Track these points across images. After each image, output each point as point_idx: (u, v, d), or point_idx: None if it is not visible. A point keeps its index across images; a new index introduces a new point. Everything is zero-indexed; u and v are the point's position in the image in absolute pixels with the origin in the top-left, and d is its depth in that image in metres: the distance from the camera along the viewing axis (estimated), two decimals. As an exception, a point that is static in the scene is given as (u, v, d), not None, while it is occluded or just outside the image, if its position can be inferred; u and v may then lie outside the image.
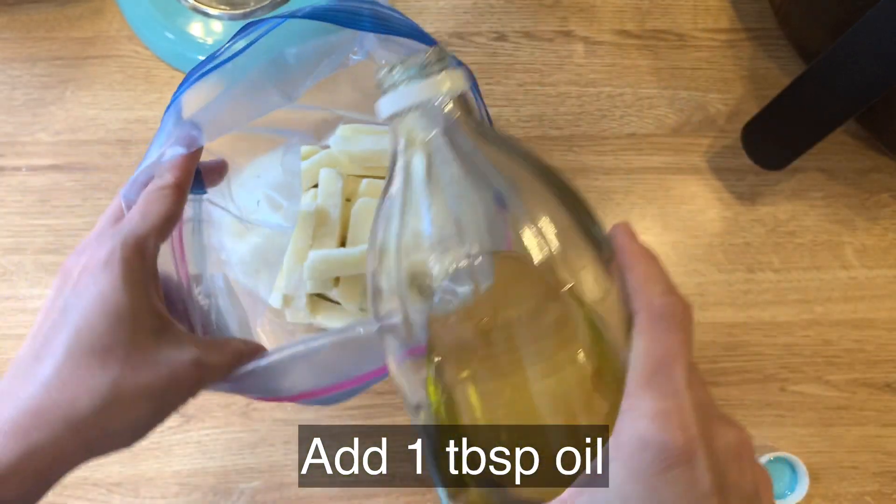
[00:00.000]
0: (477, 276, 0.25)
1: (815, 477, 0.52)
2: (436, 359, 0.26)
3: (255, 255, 0.41)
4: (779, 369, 0.54)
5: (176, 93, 0.32)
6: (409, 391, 0.27)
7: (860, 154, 0.57)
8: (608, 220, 0.58)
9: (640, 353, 0.23)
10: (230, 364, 0.32)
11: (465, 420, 0.26)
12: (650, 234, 0.56)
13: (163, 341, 0.30)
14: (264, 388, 0.33)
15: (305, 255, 0.47)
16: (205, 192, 0.36)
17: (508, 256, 0.25)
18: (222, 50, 0.31)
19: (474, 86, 0.34)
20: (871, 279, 0.55)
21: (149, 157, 0.32)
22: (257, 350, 0.34)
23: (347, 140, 0.49)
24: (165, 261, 0.35)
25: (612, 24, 0.59)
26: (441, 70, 0.26)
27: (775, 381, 0.54)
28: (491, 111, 0.57)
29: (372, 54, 0.34)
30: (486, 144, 0.26)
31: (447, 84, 0.26)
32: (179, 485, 0.51)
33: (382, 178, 0.49)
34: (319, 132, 0.50)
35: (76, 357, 0.28)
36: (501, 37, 0.59)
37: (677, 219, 0.56)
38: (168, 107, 0.33)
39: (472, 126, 0.27)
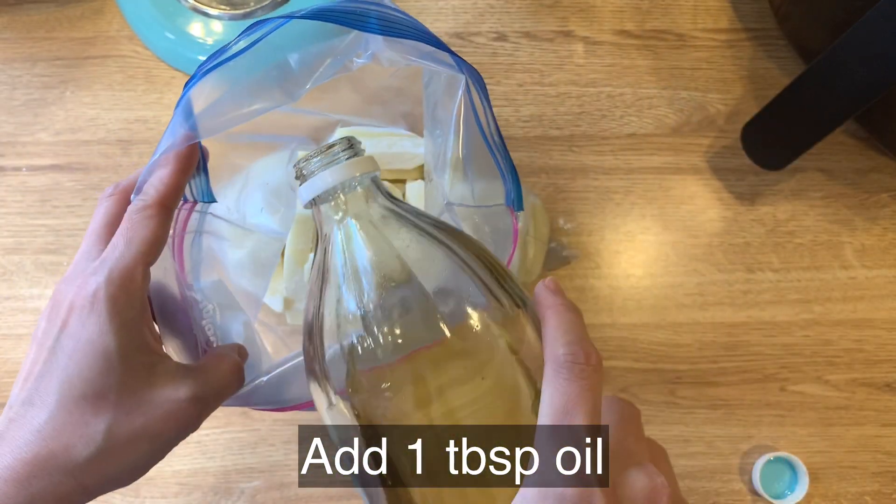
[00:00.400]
0: (395, 348, 0.26)
1: (814, 477, 0.52)
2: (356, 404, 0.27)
3: (251, 260, 0.41)
4: (779, 369, 0.54)
5: (186, 86, 0.32)
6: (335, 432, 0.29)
7: (860, 154, 0.57)
8: (608, 220, 0.58)
9: (544, 405, 0.24)
10: (229, 384, 0.32)
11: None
12: (650, 233, 0.56)
13: (156, 381, 0.30)
14: (267, 401, 0.34)
15: (305, 258, 0.47)
16: (215, 201, 0.36)
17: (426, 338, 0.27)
18: (229, 46, 0.31)
19: (481, 88, 0.33)
20: (870, 279, 0.55)
21: (158, 150, 0.32)
22: (240, 350, 0.34)
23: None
24: (166, 269, 0.35)
25: (612, 24, 0.59)
26: (350, 157, 0.29)
27: (775, 381, 0.54)
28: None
29: (378, 56, 0.33)
30: (395, 222, 0.29)
31: (354, 169, 0.29)
32: (180, 484, 0.51)
33: (382, 180, 0.49)
34: (318, 136, 0.50)
35: (68, 404, 0.29)
36: (501, 37, 0.59)
37: (677, 219, 0.56)
38: (178, 102, 0.33)
39: (381, 205, 0.29)
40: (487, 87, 0.57)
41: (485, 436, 0.25)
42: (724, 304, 0.55)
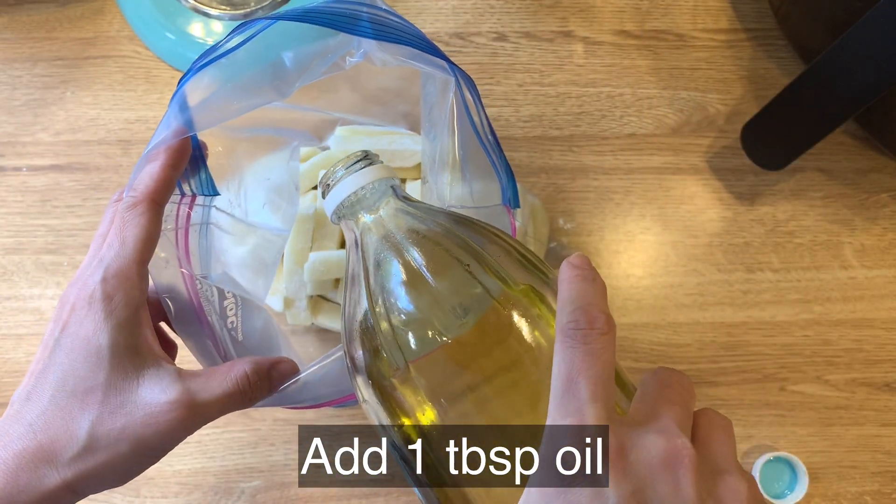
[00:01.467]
0: (456, 330, 0.27)
1: (814, 477, 0.52)
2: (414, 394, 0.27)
3: (253, 258, 0.41)
4: (778, 369, 0.54)
5: (181, 81, 0.32)
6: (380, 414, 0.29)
7: (859, 154, 0.57)
8: (608, 220, 0.58)
9: (553, 375, 0.23)
10: (230, 396, 0.31)
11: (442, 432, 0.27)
12: (650, 233, 0.56)
13: (144, 382, 0.29)
14: (293, 401, 0.34)
15: (305, 258, 0.47)
16: (217, 194, 0.36)
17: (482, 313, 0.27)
18: (221, 43, 0.31)
19: (473, 89, 0.34)
20: (870, 279, 0.55)
21: (151, 143, 0.32)
22: (272, 365, 0.33)
23: (346, 141, 0.49)
24: (178, 272, 0.35)
25: (611, 24, 0.59)
26: (367, 165, 0.31)
27: (775, 380, 0.54)
28: (491, 111, 0.57)
29: (370, 56, 0.34)
30: (418, 223, 0.30)
31: (374, 174, 0.31)
32: (180, 484, 0.51)
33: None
34: (319, 132, 0.50)
35: (60, 400, 0.29)
36: (501, 37, 0.59)
37: (677, 219, 0.56)
38: (173, 96, 0.33)
39: (405, 209, 0.31)
40: (487, 86, 0.58)
41: (517, 430, 0.25)
42: (723, 304, 0.55)
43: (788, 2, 0.55)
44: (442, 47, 0.58)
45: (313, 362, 0.34)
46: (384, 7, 0.32)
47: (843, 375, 0.54)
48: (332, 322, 0.49)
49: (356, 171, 0.31)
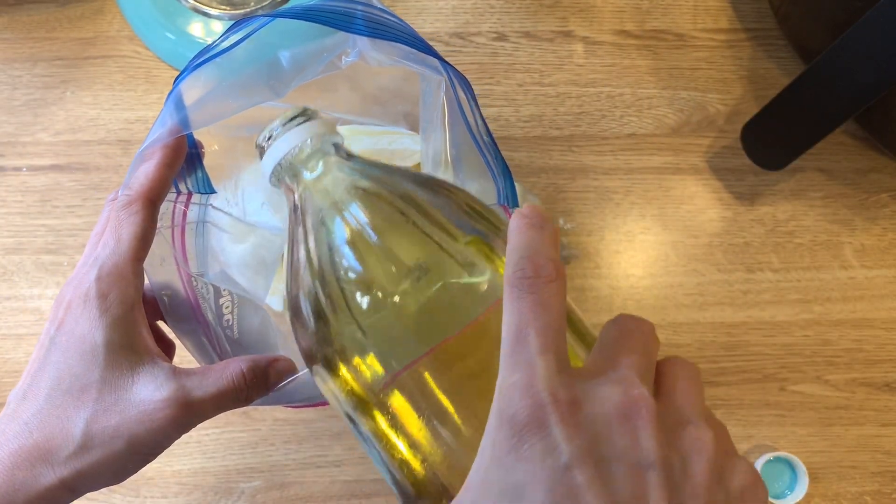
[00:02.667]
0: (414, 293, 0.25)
1: (814, 477, 0.52)
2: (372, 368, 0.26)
3: (253, 257, 0.41)
4: (778, 369, 0.54)
5: (176, 80, 0.32)
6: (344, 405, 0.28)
7: (859, 154, 0.57)
8: (608, 220, 0.58)
9: (504, 329, 0.22)
10: (227, 392, 0.31)
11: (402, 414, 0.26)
12: (650, 233, 0.56)
13: (138, 379, 0.29)
14: (290, 399, 0.34)
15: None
16: (214, 192, 0.36)
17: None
18: (217, 42, 0.31)
19: (467, 89, 0.34)
20: (870, 279, 0.55)
21: (146, 141, 0.32)
22: (269, 363, 0.32)
23: (346, 140, 0.49)
24: (174, 270, 0.35)
25: (612, 24, 0.59)
26: (305, 121, 0.29)
27: (775, 380, 0.54)
28: (491, 111, 0.57)
29: (364, 56, 0.34)
30: (370, 175, 0.29)
31: (313, 129, 0.29)
32: (180, 484, 0.51)
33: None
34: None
35: (55, 398, 0.29)
36: (501, 37, 0.59)
37: (677, 219, 0.56)
38: (168, 95, 0.33)
39: (351, 164, 0.29)
40: (487, 86, 0.58)
41: (470, 388, 0.24)
42: (723, 304, 0.55)
43: (788, 2, 0.55)
44: (442, 47, 0.58)
45: None
46: (380, 6, 0.32)
47: (843, 375, 0.54)
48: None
49: (294, 127, 0.29)
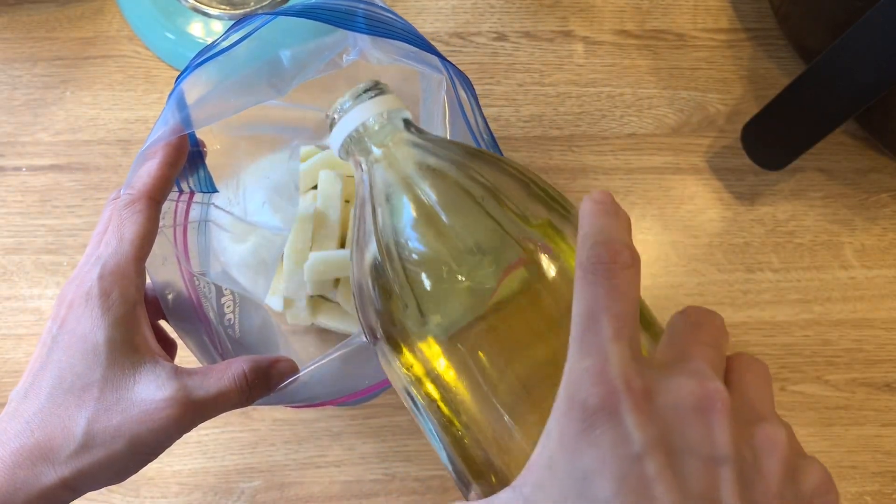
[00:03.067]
0: (489, 280, 0.25)
1: (814, 477, 0.52)
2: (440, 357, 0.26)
3: (253, 257, 0.41)
4: (778, 369, 0.54)
5: (178, 79, 0.32)
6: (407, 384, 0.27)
7: (860, 154, 0.57)
8: (608, 220, 0.58)
9: (574, 313, 0.21)
10: (228, 392, 0.31)
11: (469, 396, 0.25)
12: (650, 233, 0.56)
13: (140, 378, 0.29)
14: (292, 400, 0.34)
15: (305, 257, 0.47)
16: (216, 191, 0.36)
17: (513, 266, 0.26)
18: (218, 41, 0.31)
19: (469, 88, 0.34)
20: (870, 279, 0.55)
21: (148, 140, 0.32)
22: (271, 363, 0.32)
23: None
24: (176, 269, 0.35)
25: (612, 24, 0.59)
26: (377, 94, 0.29)
27: (775, 381, 0.54)
28: (491, 111, 0.57)
29: (365, 54, 0.34)
30: (440, 152, 0.28)
31: (384, 104, 0.29)
32: (180, 484, 0.51)
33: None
34: (320, 132, 0.50)
35: (57, 397, 0.29)
36: (501, 37, 0.59)
37: (677, 219, 0.56)
38: (170, 94, 0.33)
39: (420, 140, 0.29)
40: (487, 86, 0.58)
41: (538, 371, 0.24)
42: (724, 304, 0.55)
43: (788, 2, 0.55)
44: (442, 47, 0.58)
45: (312, 361, 0.34)
46: (381, 5, 0.32)
47: (843, 375, 0.54)
48: (332, 322, 0.49)
49: (364, 101, 0.29)
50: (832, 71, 0.45)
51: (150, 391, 0.29)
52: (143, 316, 0.31)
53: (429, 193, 0.27)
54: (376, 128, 0.29)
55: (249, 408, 0.52)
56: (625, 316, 0.21)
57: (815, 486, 0.21)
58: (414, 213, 0.26)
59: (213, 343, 0.35)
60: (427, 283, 0.25)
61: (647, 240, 0.56)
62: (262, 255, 0.41)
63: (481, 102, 0.54)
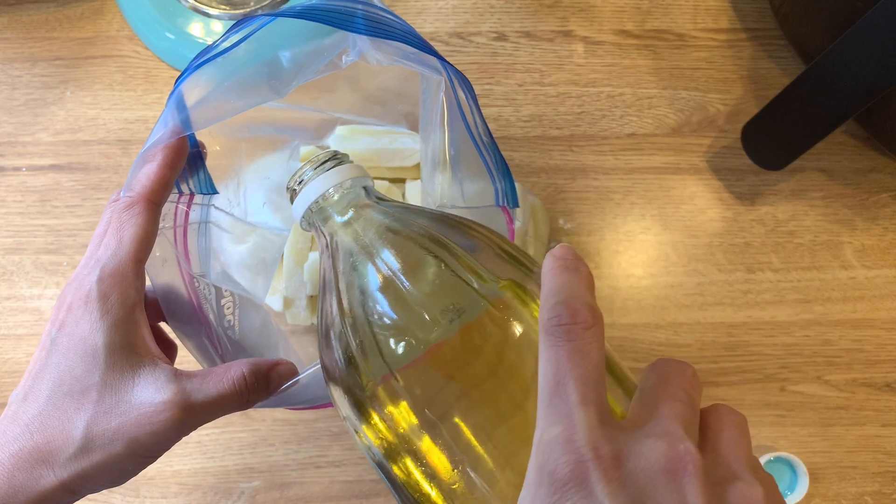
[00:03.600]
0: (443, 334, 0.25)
1: (815, 477, 0.52)
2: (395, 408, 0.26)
3: (253, 257, 0.41)
4: (779, 369, 0.54)
5: (177, 81, 0.32)
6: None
7: (860, 154, 0.57)
8: (608, 220, 0.58)
9: (540, 378, 0.21)
10: (228, 395, 0.30)
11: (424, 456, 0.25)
12: (650, 233, 0.56)
13: (139, 381, 0.29)
14: (291, 402, 0.34)
15: (305, 257, 0.47)
16: (216, 193, 0.36)
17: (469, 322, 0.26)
18: (218, 42, 0.31)
19: (468, 89, 0.34)
20: (870, 279, 0.55)
21: (148, 142, 0.32)
22: (271, 367, 0.32)
23: (346, 140, 0.49)
24: (176, 272, 0.35)
25: (612, 24, 0.59)
26: (336, 165, 0.30)
27: (775, 381, 0.54)
28: (491, 111, 0.57)
29: (364, 55, 0.34)
30: (401, 218, 0.28)
31: (345, 174, 0.29)
32: (180, 484, 0.51)
33: (381, 178, 0.49)
34: (319, 132, 0.50)
35: (56, 400, 0.29)
36: (501, 37, 0.59)
37: (677, 219, 0.56)
38: (170, 95, 0.33)
39: (381, 206, 0.29)
40: (487, 86, 0.58)
41: (507, 437, 0.24)
42: (724, 304, 0.55)
43: (789, 2, 0.55)
44: (442, 47, 0.58)
45: (313, 364, 0.34)
46: (380, 6, 0.32)
47: (843, 376, 0.54)
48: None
49: (325, 172, 0.29)
50: (832, 71, 0.45)
51: (150, 394, 0.29)
52: (142, 318, 0.31)
53: (391, 260, 0.27)
54: (336, 197, 0.29)
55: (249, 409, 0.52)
56: (590, 378, 0.21)
57: None
58: (378, 280, 0.27)
59: (213, 344, 0.35)
60: (395, 349, 0.25)
61: (647, 240, 0.56)
62: (261, 255, 0.41)
63: (481, 102, 0.54)
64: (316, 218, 0.30)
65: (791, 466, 0.52)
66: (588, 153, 0.57)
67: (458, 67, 0.33)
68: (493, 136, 0.35)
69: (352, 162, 0.30)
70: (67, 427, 0.28)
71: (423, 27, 0.59)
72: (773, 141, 0.53)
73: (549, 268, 0.23)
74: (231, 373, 0.31)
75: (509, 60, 0.58)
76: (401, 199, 0.49)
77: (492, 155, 0.35)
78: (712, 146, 0.57)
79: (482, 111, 0.35)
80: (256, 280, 0.42)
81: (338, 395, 0.27)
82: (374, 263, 0.27)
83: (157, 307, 0.35)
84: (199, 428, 0.48)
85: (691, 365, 0.24)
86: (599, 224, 0.56)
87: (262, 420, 0.52)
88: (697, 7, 0.60)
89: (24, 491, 0.28)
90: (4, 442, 0.29)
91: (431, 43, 0.33)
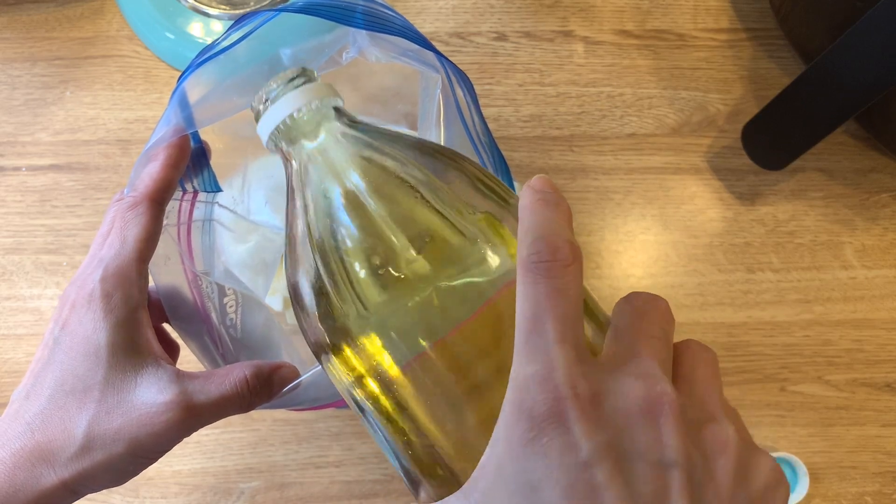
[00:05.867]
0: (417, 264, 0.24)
1: (815, 477, 0.52)
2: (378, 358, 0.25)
3: (253, 257, 0.41)
4: (779, 369, 0.54)
5: (180, 78, 0.32)
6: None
7: (860, 154, 0.57)
8: (608, 220, 0.58)
9: (517, 316, 0.21)
10: (230, 397, 0.30)
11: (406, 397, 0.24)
12: (650, 233, 0.56)
13: (141, 382, 0.29)
14: (292, 403, 0.34)
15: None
16: (220, 190, 0.36)
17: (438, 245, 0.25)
18: (220, 39, 0.31)
19: (467, 87, 0.34)
20: (870, 279, 0.55)
21: (151, 140, 0.32)
22: (273, 370, 0.32)
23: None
24: (180, 272, 0.35)
25: (612, 23, 0.59)
26: (305, 82, 0.27)
27: (775, 381, 0.54)
28: (491, 111, 0.57)
29: (364, 52, 0.34)
30: (375, 144, 0.27)
31: (314, 92, 0.27)
32: (179, 485, 0.51)
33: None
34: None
35: (58, 398, 0.29)
36: (501, 37, 0.59)
37: (677, 219, 0.56)
38: (173, 93, 0.33)
39: (354, 131, 0.27)
40: (487, 86, 0.58)
41: (482, 373, 0.23)
42: (724, 304, 0.55)
43: (789, 2, 0.55)
44: (442, 47, 0.58)
45: (315, 365, 0.34)
46: (380, 2, 0.32)
47: (843, 376, 0.54)
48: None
49: (294, 89, 0.27)
50: (832, 71, 0.45)
51: (152, 394, 0.29)
52: (145, 318, 0.31)
53: (361, 185, 0.25)
54: (305, 118, 0.27)
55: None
56: (568, 317, 0.20)
57: (765, 482, 0.21)
58: (347, 206, 0.25)
59: (215, 343, 0.35)
60: (365, 278, 0.24)
61: (647, 240, 0.56)
62: (262, 255, 0.41)
63: (481, 102, 0.54)
64: (283, 140, 0.28)
65: (791, 466, 0.51)
66: (588, 153, 0.57)
67: (459, 67, 0.33)
68: (493, 135, 0.35)
69: (318, 79, 0.28)
70: (69, 426, 0.28)
71: (423, 27, 0.59)
72: (773, 141, 0.53)
73: (528, 202, 0.22)
74: (233, 375, 0.31)
75: (509, 60, 0.58)
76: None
77: (489, 154, 0.35)
78: (712, 146, 0.57)
79: (482, 111, 0.35)
80: (257, 280, 0.42)
81: (308, 326, 0.26)
82: (345, 189, 0.26)
83: (159, 307, 0.35)
84: (196, 430, 0.48)
85: (664, 298, 0.23)
86: (600, 224, 0.56)
87: (262, 420, 0.52)
88: (698, 7, 0.60)
89: (24, 490, 0.28)
90: (6, 440, 0.28)
91: (431, 43, 0.33)
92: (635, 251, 0.55)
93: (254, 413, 0.52)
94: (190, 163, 0.33)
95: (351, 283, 0.25)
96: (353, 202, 0.25)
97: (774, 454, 0.51)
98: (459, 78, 0.33)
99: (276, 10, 0.30)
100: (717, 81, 0.58)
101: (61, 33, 0.58)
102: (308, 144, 0.27)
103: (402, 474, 0.26)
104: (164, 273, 0.34)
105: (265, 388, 0.32)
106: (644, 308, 0.23)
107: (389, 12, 0.32)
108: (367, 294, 0.24)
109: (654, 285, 0.55)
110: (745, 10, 0.60)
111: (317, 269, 0.25)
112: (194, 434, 0.49)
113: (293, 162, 0.28)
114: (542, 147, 0.57)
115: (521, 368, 0.20)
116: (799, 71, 0.47)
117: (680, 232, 0.56)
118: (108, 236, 0.31)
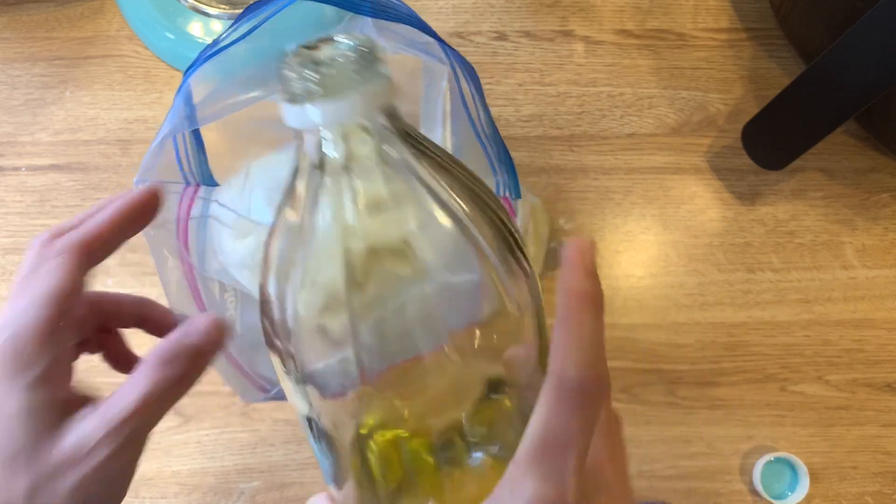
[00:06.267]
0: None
1: (815, 477, 0.52)
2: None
3: (253, 258, 0.41)
4: (779, 369, 0.54)
5: (186, 73, 0.32)
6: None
7: (860, 154, 0.57)
8: (608, 220, 0.58)
9: (537, 424, 0.21)
10: (137, 414, 0.26)
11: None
12: (650, 233, 0.56)
13: (66, 436, 0.26)
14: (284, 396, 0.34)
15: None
16: (216, 184, 0.36)
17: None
18: (228, 33, 0.31)
19: (472, 79, 0.33)
20: (871, 279, 0.55)
21: (158, 137, 0.32)
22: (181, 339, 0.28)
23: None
24: (177, 265, 0.35)
25: (612, 23, 0.59)
26: (363, 81, 0.21)
27: (775, 381, 0.53)
28: (491, 111, 0.57)
29: None
30: (424, 162, 0.23)
31: (367, 103, 0.21)
32: (179, 485, 0.51)
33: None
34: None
35: None
36: (501, 36, 0.59)
37: (677, 219, 0.56)
38: (178, 89, 0.33)
39: (397, 153, 0.22)
40: (488, 86, 0.58)
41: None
42: (724, 304, 0.54)
43: (789, 2, 0.55)
44: (442, 47, 0.58)
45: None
46: None
47: (843, 376, 0.54)
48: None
49: (353, 94, 0.21)
50: (832, 71, 0.45)
51: (79, 446, 0.26)
52: (61, 372, 0.28)
53: (419, 221, 0.22)
54: (352, 128, 0.21)
55: (249, 408, 0.52)
56: (587, 446, 0.21)
57: None
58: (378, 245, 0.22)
59: None
60: (380, 347, 0.22)
61: (647, 240, 0.56)
62: (259, 256, 0.41)
63: (481, 102, 0.54)
64: (311, 138, 0.22)
65: (791, 466, 0.51)
66: (588, 153, 0.57)
67: (464, 58, 0.33)
68: (497, 129, 0.35)
69: (380, 72, 0.22)
70: (10, 496, 0.26)
71: (423, 27, 0.59)
72: (773, 141, 0.53)
73: (577, 303, 0.21)
74: (129, 392, 0.27)
75: (509, 60, 0.58)
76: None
77: (494, 146, 0.35)
78: (712, 146, 0.57)
79: (486, 103, 0.35)
80: (253, 281, 0.41)
81: (276, 361, 0.24)
82: (370, 234, 0.22)
83: (133, 314, 0.32)
84: (199, 428, 0.47)
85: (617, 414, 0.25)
86: (600, 224, 0.56)
87: (261, 420, 0.52)
88: (698, 7, 0.60)
89: None
90: None
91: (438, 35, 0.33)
92: (635, 251, 0.55)
93: (254, 413, 0.52)
94: (192, 152, 0.33)
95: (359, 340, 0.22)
96: (383, 246, 0.22)
97: (774, 454, 0.51)
98: (465, 69, 0.33)
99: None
100: (718, 81, 0.58)
101: (61, 33, 0.58)
102: (335, 155, 0.22)
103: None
104: (165, 270, 0.34)
105: (188, 368, 0.27)
106: (612, 429, 0.25)
107: (396, 2, 0.32)
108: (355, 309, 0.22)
109: (655, 285, 0.55)
110: (745, 9, 0.60)
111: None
112: (194, 434, 0.49)
113: (314, 161, 0.23)
114: (543, 147, 0.57)
115: (532, 484, 0.20)
116: (799, 71, 0.47)
117: (680, 232, 0.56)
118: (23, 283, 0.27)
